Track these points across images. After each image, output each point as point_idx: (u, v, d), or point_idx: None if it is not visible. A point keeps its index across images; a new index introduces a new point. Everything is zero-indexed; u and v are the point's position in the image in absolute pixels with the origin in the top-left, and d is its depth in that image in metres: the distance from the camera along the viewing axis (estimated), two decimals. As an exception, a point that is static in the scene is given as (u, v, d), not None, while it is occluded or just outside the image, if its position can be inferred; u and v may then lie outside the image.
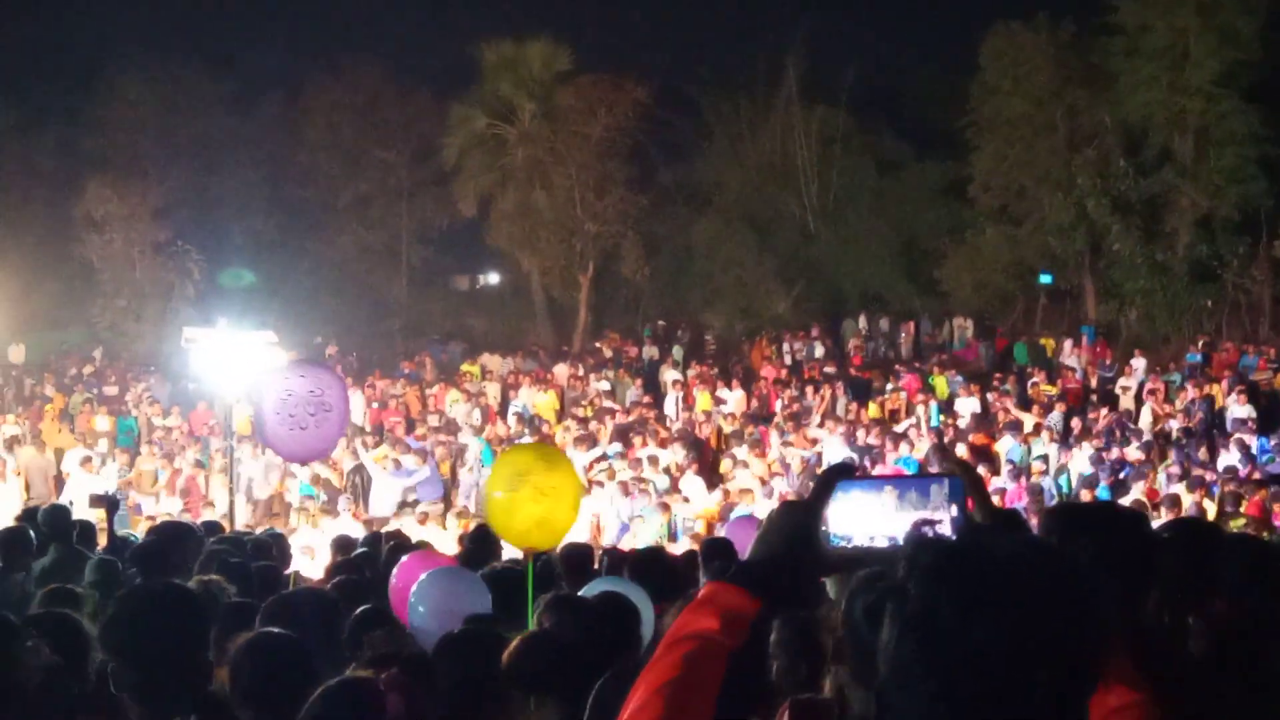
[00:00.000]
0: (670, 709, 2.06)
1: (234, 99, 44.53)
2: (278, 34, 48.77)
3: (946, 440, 22.70)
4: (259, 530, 15.52)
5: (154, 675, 3.72)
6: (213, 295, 36.15)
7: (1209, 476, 18.93)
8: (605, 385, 30.78)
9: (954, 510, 2.23)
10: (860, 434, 24.12)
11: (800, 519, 2.25)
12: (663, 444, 24.23)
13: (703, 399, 28.56)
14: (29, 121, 42.21)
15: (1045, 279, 34.86)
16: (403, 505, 20.86)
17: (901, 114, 40.27)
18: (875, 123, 39.99)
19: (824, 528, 2.24)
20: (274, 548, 10.22)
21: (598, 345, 37.44)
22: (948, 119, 35.96)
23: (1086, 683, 1.71)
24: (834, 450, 22.91)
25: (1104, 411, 24.57)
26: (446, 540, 17.66)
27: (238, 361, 19.78)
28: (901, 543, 2.20)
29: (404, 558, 8.66)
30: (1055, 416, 24.07)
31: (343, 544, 12.03)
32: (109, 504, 13.09)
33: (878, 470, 21.41)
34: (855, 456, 22.05)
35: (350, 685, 4.01)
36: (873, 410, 26.66)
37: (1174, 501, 17.01)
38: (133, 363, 35.80)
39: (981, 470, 19.83)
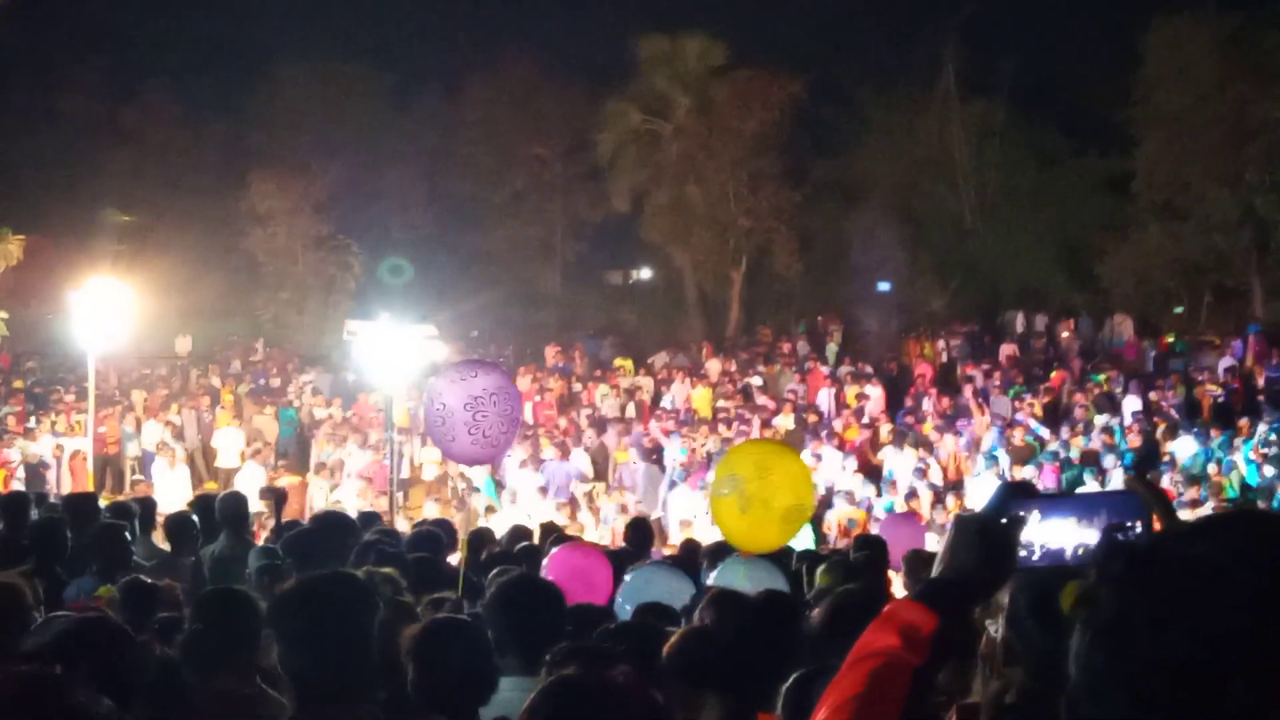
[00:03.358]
0: None
1: (393, 94, 45.38)
2: (436, 29, 49.47)
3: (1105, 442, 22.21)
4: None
5: (321, 661, 3.79)
6: (372, 288, 36.82)
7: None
8: (758, 381, 30.72)
9: (1139, 527, 2.22)
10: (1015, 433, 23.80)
11: (988, 537, 2.26)
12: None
13: (851, 396, 28.41)
14: (195, 117, 43.37)
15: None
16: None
17: (1062, 107, 39.45)
18: (1035, 116, 39.28)
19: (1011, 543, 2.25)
20: (440, 539, 10.26)
21: (751, 342, 37.37)
22: (1110, 113, 35.12)
23: (1287, 698, 1.66)
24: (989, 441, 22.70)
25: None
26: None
27: (399, 354, 20.12)
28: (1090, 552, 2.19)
29: (555, 550, 8.77)
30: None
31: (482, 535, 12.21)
32: (276, 496, 13.39)
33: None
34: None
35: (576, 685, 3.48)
36: (1034, 408, 26.13)
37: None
38: (294, 354, 36.56)
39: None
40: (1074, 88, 39.25)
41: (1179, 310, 35.11)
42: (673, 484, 22.28)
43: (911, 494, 20.26)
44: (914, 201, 39.49)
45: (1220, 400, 25.04)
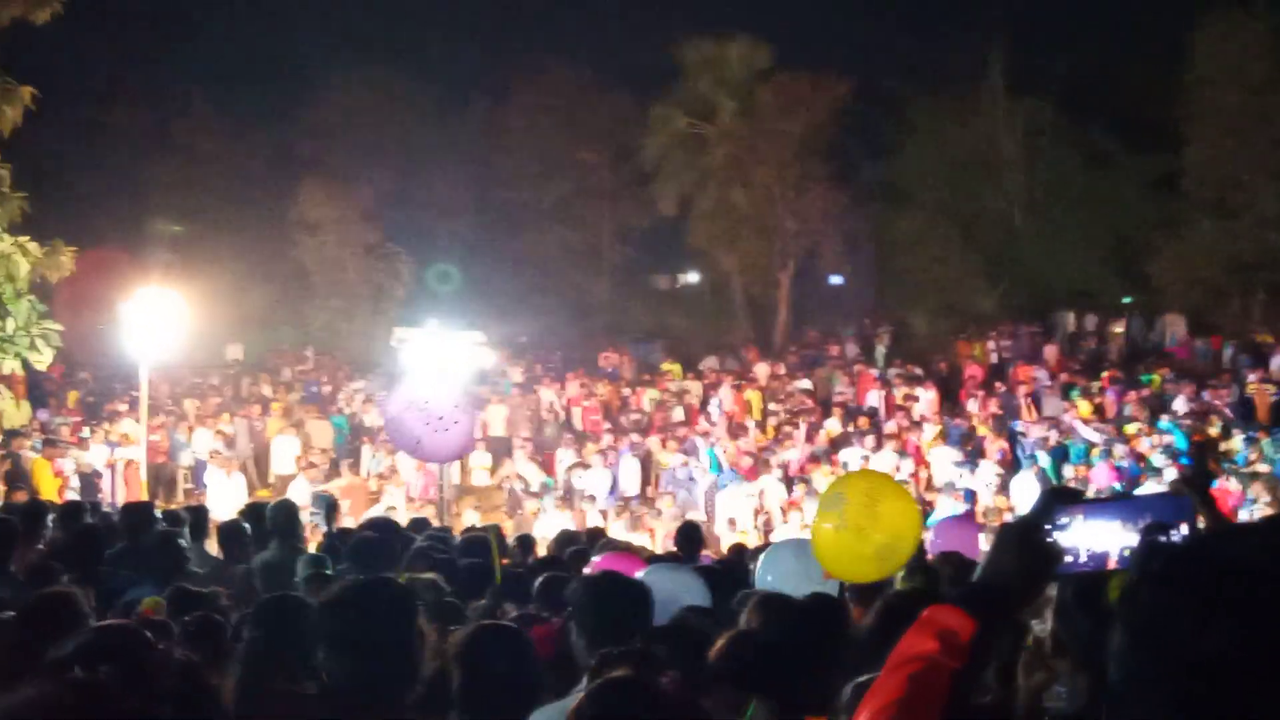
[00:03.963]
0: None
1: (440, 102, 45.57)
2: (482, 38, 49.58)
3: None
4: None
5: (365, 666, 3.81)
6: (420, 296, 36.96)
7: None
8: (807, 384, 30.63)
9: (1184, 528, 2.22)
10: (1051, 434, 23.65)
11: (1030, 543, 2.27)
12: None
13: (900, 397, 28.30)
14: (244, 127, 43.58)
15: None
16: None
17: (1111, 106, 39.08)
18: (1084, 115, 38.87)
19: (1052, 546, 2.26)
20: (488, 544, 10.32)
21: (800, 345, 37.28)
22: (1160, 110, 34.72)
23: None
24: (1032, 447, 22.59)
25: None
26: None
27: (448, 361, 20.20)
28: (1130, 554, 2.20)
29: (595, 558, 8.79)
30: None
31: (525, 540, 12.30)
32: (328, 504, 13.52)
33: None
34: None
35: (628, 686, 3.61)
36: (1084, 409, 25.90)
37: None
38: (344, 362, 36.71)
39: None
40: (1123, 85, 38.87)
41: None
42: (719, 486, 22.43)
43: (969, 496, 20.15)
44: (961, 202, 39.22)
45: (1277, 399, 24.76)
